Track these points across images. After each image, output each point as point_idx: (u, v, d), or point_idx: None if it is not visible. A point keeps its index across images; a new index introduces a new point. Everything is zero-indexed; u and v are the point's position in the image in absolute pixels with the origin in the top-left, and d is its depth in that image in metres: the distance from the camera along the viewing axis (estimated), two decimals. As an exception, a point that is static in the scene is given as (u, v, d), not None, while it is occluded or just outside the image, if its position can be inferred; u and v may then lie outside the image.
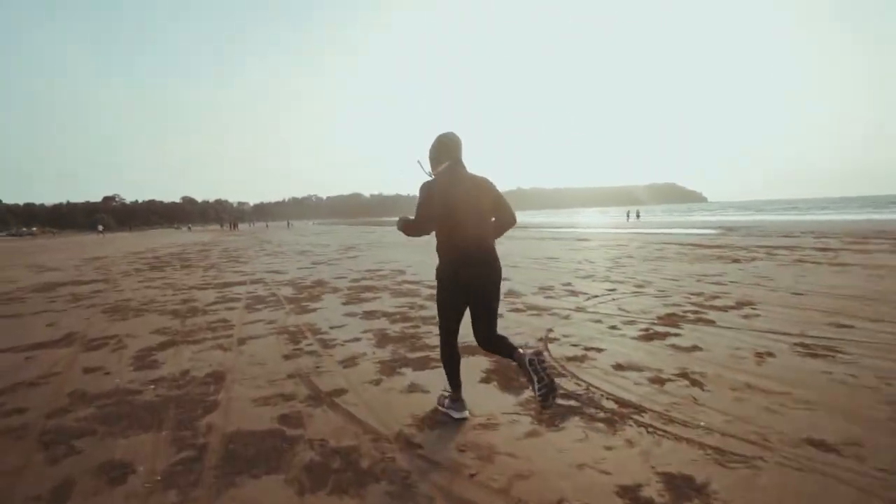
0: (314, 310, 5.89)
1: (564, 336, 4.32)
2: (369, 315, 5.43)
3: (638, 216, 49.25)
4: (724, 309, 5.19)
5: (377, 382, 3.25)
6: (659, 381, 3.11)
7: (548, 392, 2.24)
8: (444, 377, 2.69)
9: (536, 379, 2.25)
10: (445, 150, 2.54)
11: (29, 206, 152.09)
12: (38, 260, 17.83)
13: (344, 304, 6.26)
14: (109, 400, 3.05)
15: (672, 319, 4.80)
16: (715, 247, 13.17)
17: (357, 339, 4.38)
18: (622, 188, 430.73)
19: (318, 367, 3.59)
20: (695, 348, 3.80)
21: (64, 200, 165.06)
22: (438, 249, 2.51)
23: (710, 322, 4.64)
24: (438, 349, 2.70)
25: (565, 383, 3.11)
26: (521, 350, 2.38)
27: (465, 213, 2.42)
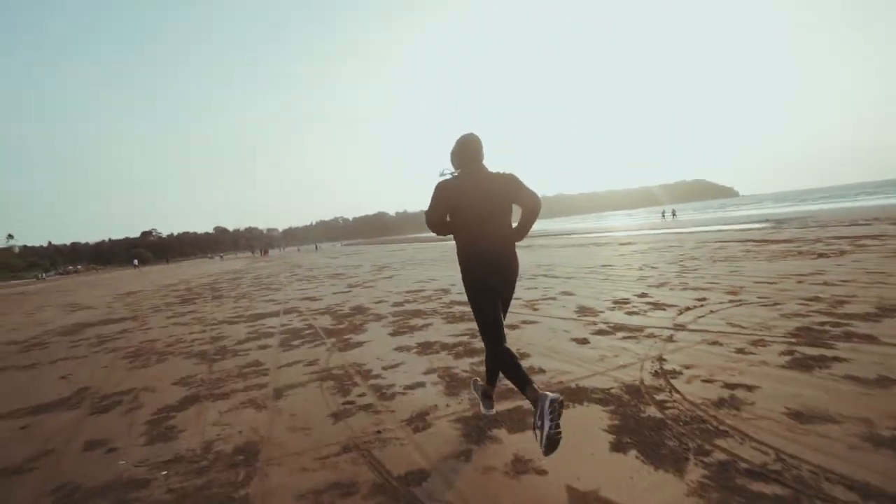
0: (359, 344, 5.06)
1: (685, 367, 3.34)
2: (425, 348, 4.56)
3: (674, 215, 47.32)
4: (868, 317, 4.10)
5: (467, 456, 2.35)
6: (884, 441, 2.10)
7: (552, 444, 1.97)
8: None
9: (549, 426, 1.95)
10: (463, 153, 2.53)
11: (74, 245, 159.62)
12: (75, 298, 17.78)
13: (392, 334, 5.41)
14: (105, 502, 2.24)
15: (812, 336, 3.75)
16: (782, 241, 11.84)
17: (420, 384, 3.51)
18: (647, 189, 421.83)
19: (378, 433, 2.72)
20: (887, 380, 2.77)
21: (106, 238, 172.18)
22: (458, 254, 2.53)
23: (869, 338, 3.57)
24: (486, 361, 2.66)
25: (732, 446, 2.14)
26: (537, 387, 2.15)
27: (480, 215, 2.42)
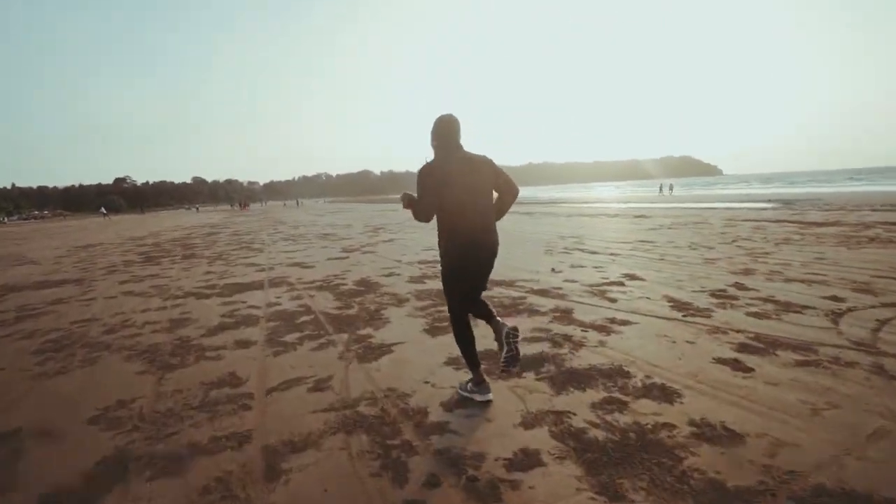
0: (387, 348, 3.48)
1: None
2: (493, 362, 2.98)
3: (671, 189, 46.17)
4: None
5: None
6: None
7: (511, 361, 2.41)
8: None
9: (506, 349, 2.40)
10: (441, 134, 2.52)
11: (42, 189, 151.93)
12: (23, 248, 15.70)
13: (429, 331, 3.85)
14: None
15: None
16: (825, 224, 10.54)
17: (530, 455, 1.95)
18: (636, 162, 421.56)
19: None
20: None
21: (77, 183, 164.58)
22: (440, 232, 2.53)
23: None
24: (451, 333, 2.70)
25: None
26: (500, 319, 2.51)
27: (463, 196, 2.43)
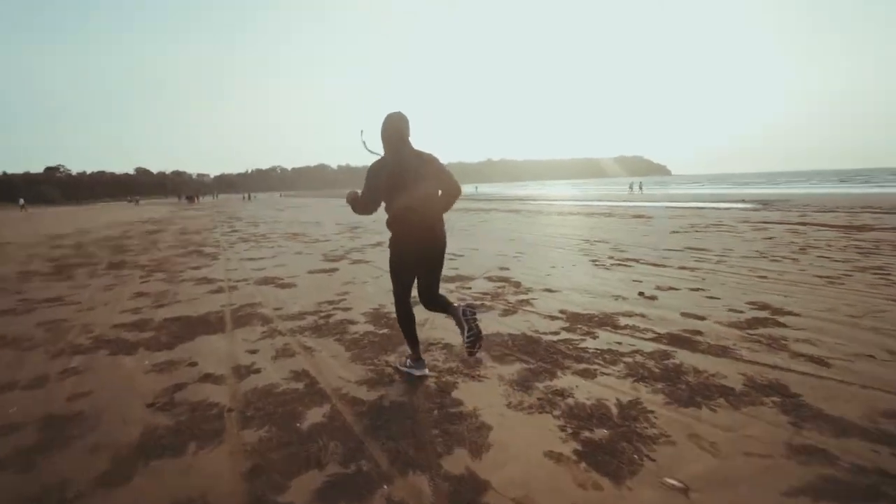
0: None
1: None
2: None
3: (641, 188, 45.96)
4: None
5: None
6: None
7: (475, 340, 2.48)
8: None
9: (467, 328, 2.48)
10: (386, 132, 2.61)
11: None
12: None
13: (580, 454, 1.88)
14: None
15: None
16: (866, 228, 9.33)
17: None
18: (592, 160, 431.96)
19: None
20: None
21: (0, 171, 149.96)
22: (389, 224, 2.63)
23: None
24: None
25: None
26: (455, 304, 2.64)
27: (411, 190, 2.52)
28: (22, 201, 51.45)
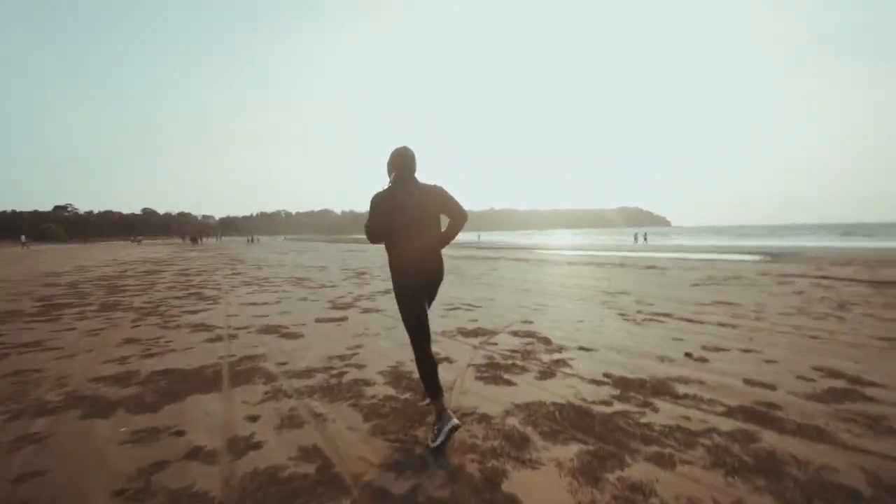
0: None
1: None
2: None
3: (646, 239, 45.81)
4: None
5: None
6: None
7: (438, 447, 2.34)
8: None
9: (442, 439, 2.35)
10: (395, 164, 2.68)
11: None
12: None
13: None
14: None
15: None
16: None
17: None
18: (594, 211, 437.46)
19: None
20: None
21: (9, 209, 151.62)
22: (389, 260, 2.66)
23: None
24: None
25: None
26: (448, 410, 2.48)
27: (410, 223, 2.58)
28: (24, 238, 51.19)
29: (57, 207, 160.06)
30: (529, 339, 4.75)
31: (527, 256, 22.00)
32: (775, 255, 21.74)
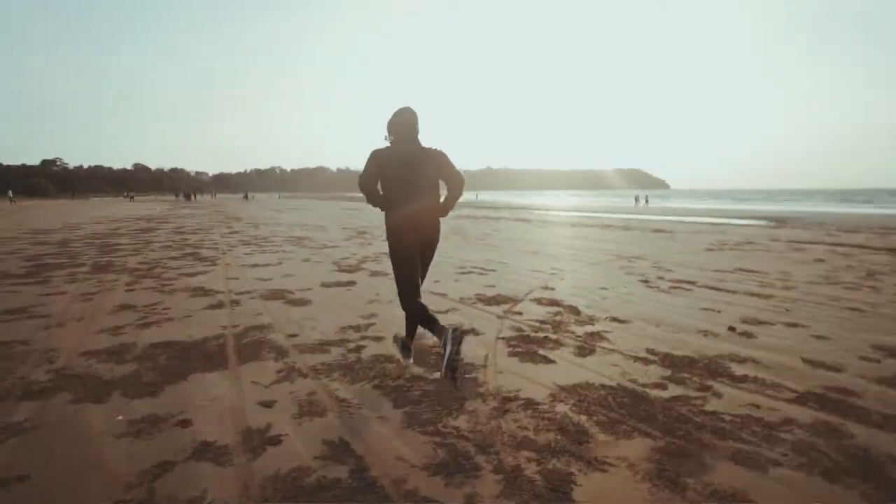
0: None
1: None
2: None
3: (647, 201, 45.35)
4: None
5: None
6: None
7: (455, 367, 2.25)
8: None
9: (450, 350, 2.22)
10: (395, 124, 2.62)
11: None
12: None
13: None
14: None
15: None
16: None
17: None
18: (592, 172, 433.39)
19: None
20: None
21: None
22: (385, 218, 2.65)
23: None
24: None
25: None
26: (443, 325, 2.40)
27: (406, 181, 2.55)
28: (11, 193, 49.88)
29: (45, 161, 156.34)
30: (555, 309, 4.43)
31: (528, 217, 21.62)
32: (779, 220, 21.47)
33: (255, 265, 6.94)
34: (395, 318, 4.03)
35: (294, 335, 3.55)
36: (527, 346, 3.33)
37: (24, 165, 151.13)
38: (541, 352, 3.23)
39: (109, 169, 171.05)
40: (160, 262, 7.24)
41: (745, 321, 4.07)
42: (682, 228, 15.19)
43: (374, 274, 6.20)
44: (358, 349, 3.24)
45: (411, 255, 2.62)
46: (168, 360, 2.98)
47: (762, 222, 20.35)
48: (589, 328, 3.81)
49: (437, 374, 2.72)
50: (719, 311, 4.42)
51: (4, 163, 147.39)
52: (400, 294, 2.67)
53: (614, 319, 4.09)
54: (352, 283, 5.62)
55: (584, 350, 3.28)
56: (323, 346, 3.30)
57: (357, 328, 3.73)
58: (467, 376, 2.77)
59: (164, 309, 4.34)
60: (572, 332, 3.69)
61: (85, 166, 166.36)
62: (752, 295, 5.14)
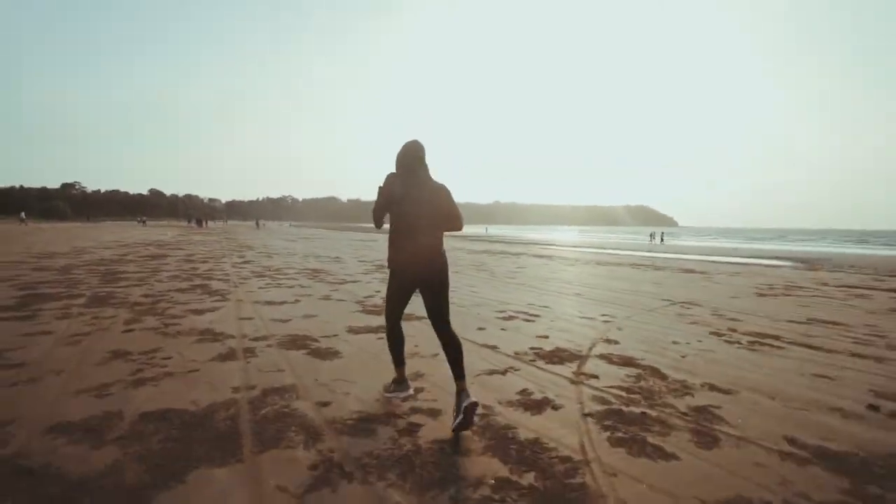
0: None
1: None
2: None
3: (662, 239, 44.51)
4: None
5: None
6: None
7: (459, 428, 2.35)
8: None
9: (461, 418, 2.32)
10: (403, 156, 2.62)
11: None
12: None
13: None
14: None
15: None
16: None
17: None
18: (598, 207, 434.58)
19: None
20: None
21: (17, 184, 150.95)
22: (389, 243, 2.66)
23: None
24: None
25: None
26: (467, 389, 2.50)
27: (413, 214, 2.56)
28: (23, 214, 50.07)
29: (65, 185, 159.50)
30: (634, 370, 3.64)
31: (547, 253, 20.86)
32: (805, 261, 20.68)
33: (271, 302, 6.23)
34: (446, 381, 3.26)
35: (326, 403, 2.78)
36: (627, 430, 2.55)
37: (44, 188, 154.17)
38: (650, 439, 2.44)
39: (126, 193, 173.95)
40: (166, 295, 6.56)
41: (878, 395, 3.27)
42: (714, 269, 14.37)
43: (406, 318, 5.44)
44: (411, 430, 2.47)
45: (405, 288, 2.67)
46: (162, 444, 2.22)
47: (789, 263, 19.53)
48: (690, 401, 3.03)
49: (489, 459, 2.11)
50: (833, 379, 3.62)
51: (26, 185, 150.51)
52: (387, 317, 2.78)
53: (713, 388, 3.30)
54: (382, 328, 4.87)
55: (704, 437, 2.49)
56: (365, 423, 2.53)
57: (407, 404, 2.96)
58: (568, 481, 1.99)
59: (164, 359, 3.60)
60: (673, 407, 2.90)
61: (102, 190, 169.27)
62: (858, 357, 4.33)
